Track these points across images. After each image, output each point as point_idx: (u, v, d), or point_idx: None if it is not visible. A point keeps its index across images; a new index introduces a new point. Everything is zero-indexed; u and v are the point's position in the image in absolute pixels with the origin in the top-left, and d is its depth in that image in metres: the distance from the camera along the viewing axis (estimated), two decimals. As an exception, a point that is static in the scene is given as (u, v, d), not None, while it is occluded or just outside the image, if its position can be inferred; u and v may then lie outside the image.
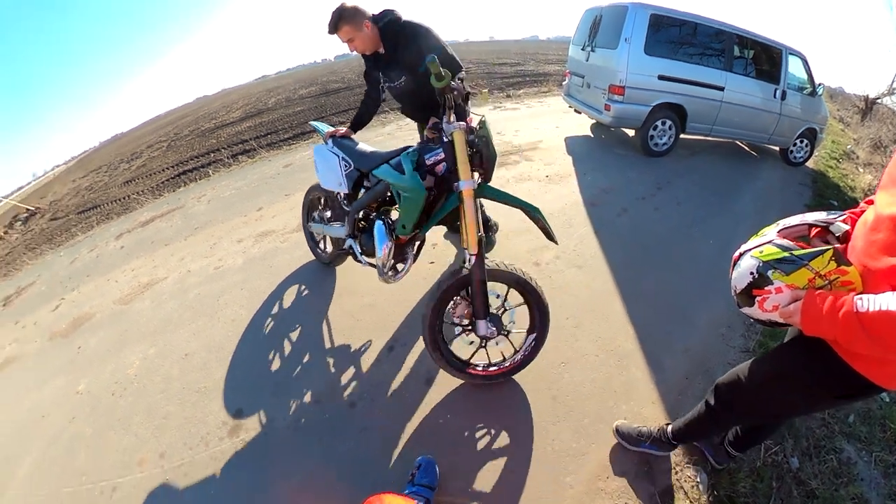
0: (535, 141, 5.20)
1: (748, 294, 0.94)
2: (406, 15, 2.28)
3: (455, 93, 1.64)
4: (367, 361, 2.43)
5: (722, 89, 5.14)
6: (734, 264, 1.00)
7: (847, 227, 0.95)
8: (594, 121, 5.53)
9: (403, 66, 2.32)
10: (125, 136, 37.36)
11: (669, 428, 1.66)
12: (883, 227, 0.80)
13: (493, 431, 1.99)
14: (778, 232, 0.97)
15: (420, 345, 2.42)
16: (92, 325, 3.57)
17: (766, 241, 0.94)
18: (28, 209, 13.73)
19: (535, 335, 1.99)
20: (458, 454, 1.89)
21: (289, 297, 3.11)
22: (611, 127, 5.51)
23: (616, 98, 4.84)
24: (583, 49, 5.46)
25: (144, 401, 2.50)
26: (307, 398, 2.27)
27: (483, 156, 1.73)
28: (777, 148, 6.27)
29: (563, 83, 6.37)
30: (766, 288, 0.89)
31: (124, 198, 8.25)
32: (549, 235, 1.87)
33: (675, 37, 4.88)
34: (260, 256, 3.76)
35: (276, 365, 2.54)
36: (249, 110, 15.04)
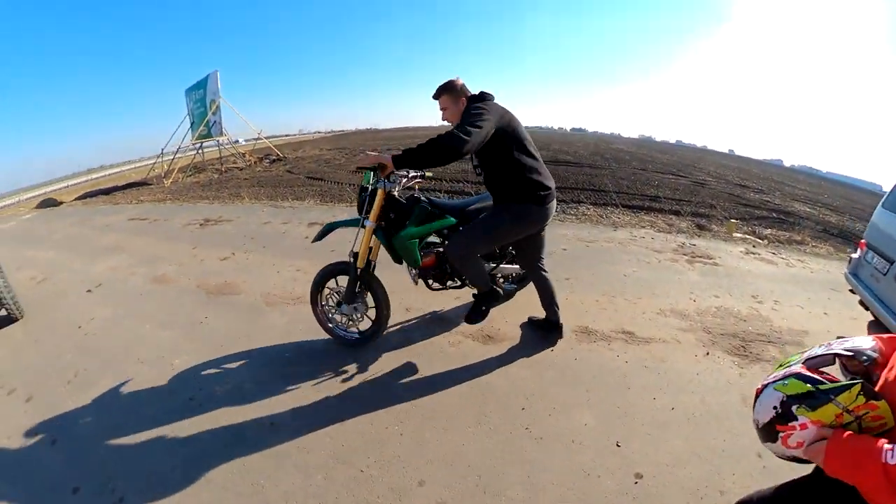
0: (800, 330, 3.55)
1: (771, 429, 0.90)
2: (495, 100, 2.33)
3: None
4: None
5: None
6: (757, 396, 0.95)
7: (875, 355, 0.91)
8: (876, 319, 3.66)
9: None
10: (376, 133, 44.09)
11: None
12: None
13: None
14: (803, 363, 0.94)
15: None
16: (231, 303, 3.47)
17: (791, 374, 0.91)
18: (278, 155, 16.86)
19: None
20: None
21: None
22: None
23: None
24: (902, 223, 3.66)
25: (217, 428, 2.15)
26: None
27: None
28: None
29: (853, 255, 4.42)
30: (789, 424, 0.86)
31: (344, 184, 9.00)
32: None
33: None
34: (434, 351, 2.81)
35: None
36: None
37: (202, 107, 15.78)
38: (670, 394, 2.45)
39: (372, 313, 2.63)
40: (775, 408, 0.88)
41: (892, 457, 0.71)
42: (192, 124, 16.51)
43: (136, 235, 5.76)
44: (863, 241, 4.19)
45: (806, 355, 0.97)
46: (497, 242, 2.47)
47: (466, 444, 1.98)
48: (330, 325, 2.72)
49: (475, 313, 2.60)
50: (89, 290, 3.89)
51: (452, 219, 2.57)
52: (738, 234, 6.91)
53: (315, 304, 2.67)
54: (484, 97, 2.30)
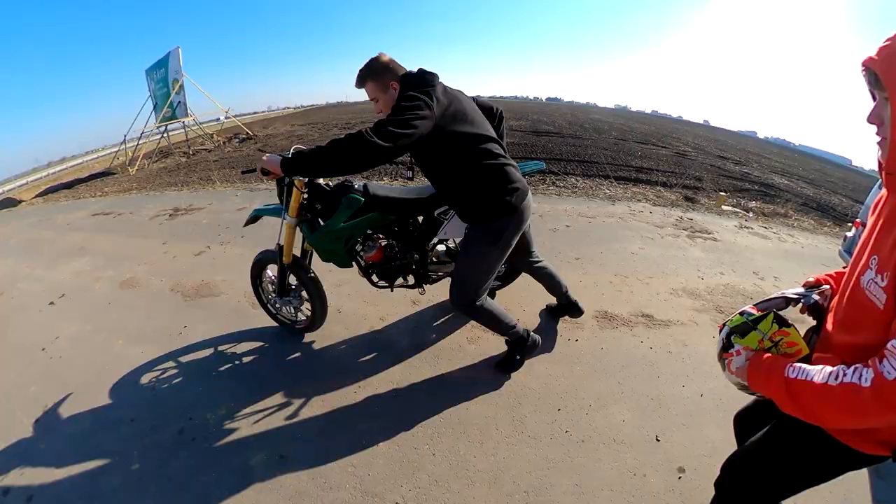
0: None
1: (721, 358, 1.04)
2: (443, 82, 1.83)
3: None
4: None
5: None
6: (719, 333, 1.09)
7: (817, 298, 1.09)
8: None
9: None
10: (347, 106, 42.56)
11: None
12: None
13: None
14: (754, 304, 1.07)
15: None
16: (211, 306, 3.15)
17: (739, 312, 1.04)
18: (248, 133, 16.03)
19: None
20: None
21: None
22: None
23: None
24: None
25: (218, 465, 1.87)
26: None
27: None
28: None
29: (846, 235, 4.53)
30: (730, 351, 1.00)
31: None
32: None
33: None
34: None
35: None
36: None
37: (165, 87, 14.78)
38: (697, 380, 2.37)
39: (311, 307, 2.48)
40: (722, 339, 1.02)
41: (793, 371, 0.84)
42: (154, 106, 15.50)
43: (101, 233, 5.29)
44: (857, 220, 4.24)
45: (760, 299, 1.12)
46: (493, 271, 2.04)
47: (507, 458, 1.82)
48: (269, 306, 2.69)
49: (509, 362, 2.32)
50: (52, 303, 3.44)
51: (391, 215, 2.16)
52: (727, 207, 7.01)
53: (256, 289, 2.64)
54: (425, 80, 1.77)
